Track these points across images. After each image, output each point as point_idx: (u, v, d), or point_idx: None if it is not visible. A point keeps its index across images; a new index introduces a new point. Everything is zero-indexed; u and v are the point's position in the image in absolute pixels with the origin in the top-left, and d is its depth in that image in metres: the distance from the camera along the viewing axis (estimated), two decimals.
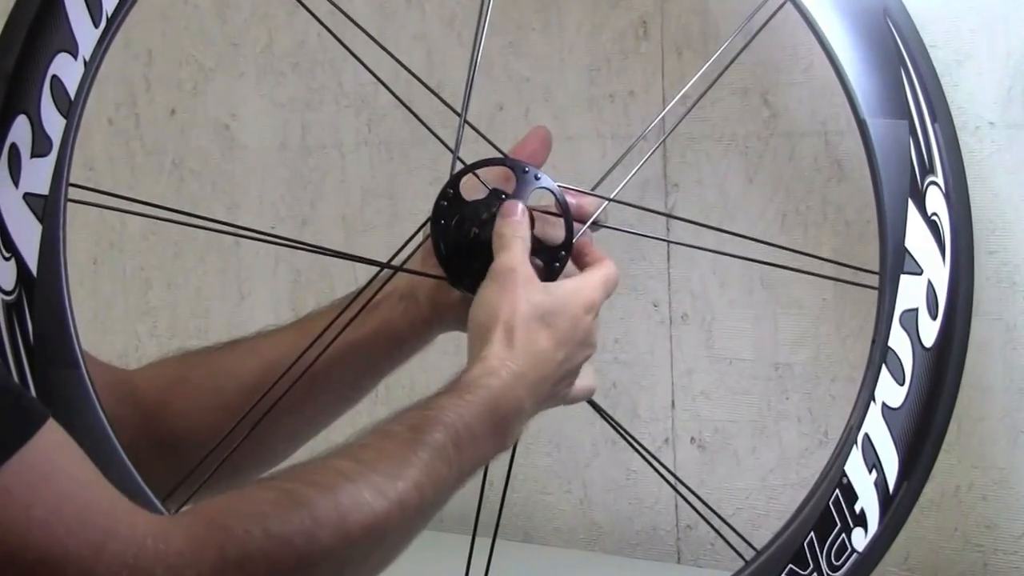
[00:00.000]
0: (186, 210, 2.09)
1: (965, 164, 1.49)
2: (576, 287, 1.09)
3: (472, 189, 1.11)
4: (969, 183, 1.50)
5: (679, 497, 1.72)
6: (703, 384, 1.70)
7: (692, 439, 1.71)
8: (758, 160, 1.63)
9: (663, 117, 1.44)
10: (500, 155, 1.14)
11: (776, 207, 1.62)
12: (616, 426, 1.21)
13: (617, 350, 1.76)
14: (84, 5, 0.98)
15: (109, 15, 0.99)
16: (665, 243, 1.68)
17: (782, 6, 1.19)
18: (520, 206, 1.08)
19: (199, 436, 1.16)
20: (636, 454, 1.76)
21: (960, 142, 1.49)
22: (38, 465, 0.80)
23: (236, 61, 2.07)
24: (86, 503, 0.82)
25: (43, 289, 0.96)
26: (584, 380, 1.12)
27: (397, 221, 1.90)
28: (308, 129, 2.01)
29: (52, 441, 0.81)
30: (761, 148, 1.63)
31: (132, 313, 2.21)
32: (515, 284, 1.05)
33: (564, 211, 1.11)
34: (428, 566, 1.50)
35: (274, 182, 2.05)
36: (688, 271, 1.69)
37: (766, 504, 1.66)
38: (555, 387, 1.07)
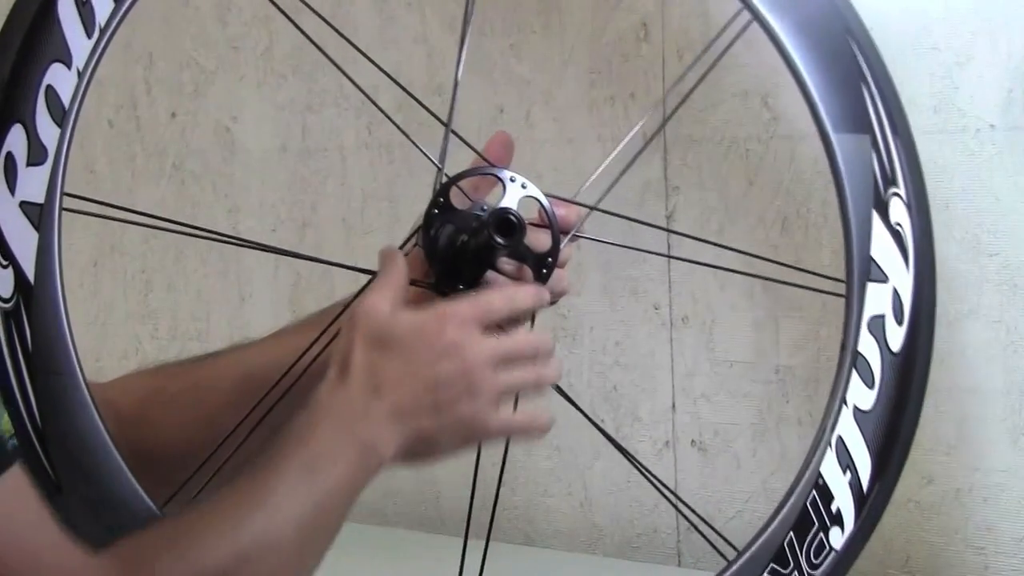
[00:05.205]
0: (187, 212, 2.10)
1: (966, 166, 1.50)
2: (434, 308, 1.04)
3: (461, 196, 1.12)
4: (970, 186, 1.50)
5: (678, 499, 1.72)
6: (704, 387, 1.70)
7: (693, 442, 1.71)
8: (759, 163, 1.63)
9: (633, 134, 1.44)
10: (486, 163, 1.15)
11: (777, 209, 1.62)
12: (589, 417, 1.21)
13: (618, 353, 1.76)
14: (78, 16, 0.99)
15: (102, 26, 1.00)
16: (665, 243, 1.68)
17: (748, 25, 1.22)
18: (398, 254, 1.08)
19: (178, 448, 1.16)
20: (636, 457, 1.76)
21: (961, 144, 1.50)
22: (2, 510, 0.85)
23: (237, 64, 2.07)
24: (39, 554, 0.87)
25: (40, 297, 0.96)
26: (512, 420, 1.06)
27: (398, 223, 1.90)
28: (309, 132, 2.01)
29: (14, 488, 0.87)
30: (762, 151, 1.63)
31: (133, 315, 2.21)
32: (352, 322, 1.04)
33: (550, 220, 1.12)
34: (427, 569, 1.50)
35: (275, 184, 2.05)
36: (689, 274, 1.69)
37: (766, 507, 1.65)
38: (426, 403, 1.01)
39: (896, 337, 1.20)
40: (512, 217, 1.07)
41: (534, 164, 1.80)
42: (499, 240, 1.06)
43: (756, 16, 1.20)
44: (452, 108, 1.15)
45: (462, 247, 1.09)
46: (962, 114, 1.49)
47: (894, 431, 1.20)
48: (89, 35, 0.99)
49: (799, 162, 1.61)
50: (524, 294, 1.08)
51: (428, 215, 1.10)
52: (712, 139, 1.67)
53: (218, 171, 2.10)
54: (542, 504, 1.83)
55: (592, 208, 1.16)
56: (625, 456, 1.22)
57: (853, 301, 1.19)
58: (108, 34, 1.00)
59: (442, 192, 1.10)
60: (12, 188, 0.94)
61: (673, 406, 1.72)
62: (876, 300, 1.20)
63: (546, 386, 1.07)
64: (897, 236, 1.21)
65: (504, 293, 1.07)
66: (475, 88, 1.81)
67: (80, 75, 0.99)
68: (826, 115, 1.21)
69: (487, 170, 1.12)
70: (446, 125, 1.14)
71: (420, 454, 1.03)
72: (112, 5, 1.01)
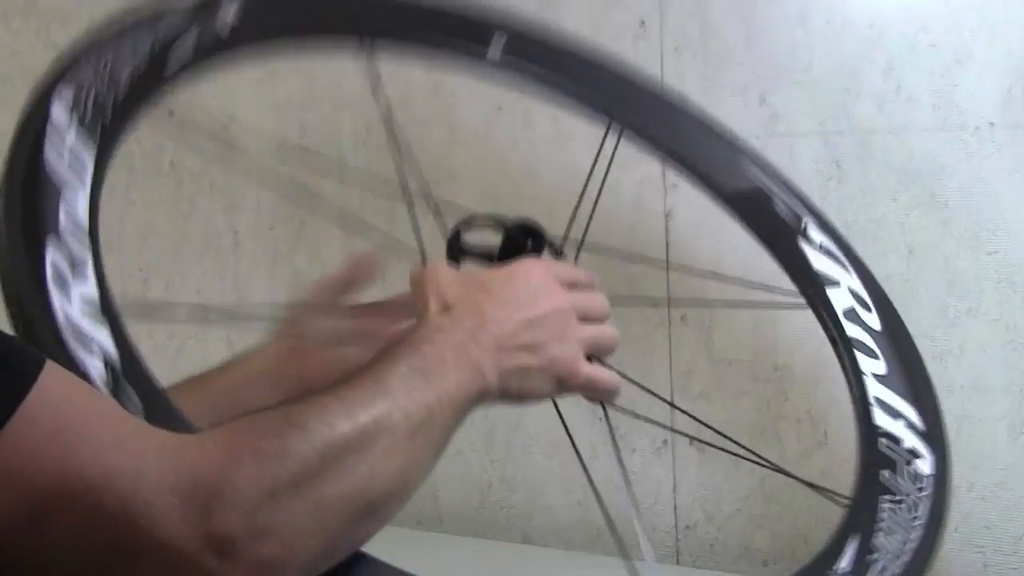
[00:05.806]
0: (185, 210, 2.10)
1: (965, 164, 1.50)
2: (511, 263, 1.11)
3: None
4: (969, 184, 1.50)
5: (677, 498, 1.72)
6: (702, 385, 1.70)
7: (691, 440, 1.71)
8: None
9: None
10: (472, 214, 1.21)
11: None
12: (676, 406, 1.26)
13: (616, 352, 1.75)
14: (69, 167, 1.04)
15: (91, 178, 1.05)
16: (664, 242, 1.68)
17: (621, 135, 1.36)
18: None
19: None
20: (635, 456, 1.75)
21: (960, 142, 1.50)
22: (56, 398, 0.83)
23: None
24: (114, 425, 0.85)
25: (129, 376, 1.00)
26: (598, 370, 1.13)
27: (396, 223, 1.89)
28: (306, 130, 2.01)
29: (59, 377, 0.85)
30: (760, 148, 1.62)
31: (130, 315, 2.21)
32: (433, 272, 1.08)
33: (552, 246, 1.19)
34: (426, 568, 1.50)
35: (273, 183, 2.04)
36: (687, 273, 1.69)
37: (765, 505, 1.66)
38: (525, 340, 1.06)
39: (873, 320, 1.32)
40: (532, 225, 1.16)
41: (533, 164, 1.79)
42: (529, 244, 1.15)
43: (627, 125, 1.36)
44: (402, 150, 1.17)
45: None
46: (961, 112, 1.49)
47: (914, 380, 1.30)
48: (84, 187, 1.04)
49: (798, 160, 1.61)
50: (579, 269, 1.15)
51: (451, 250, 1.17)
52: None
53: (216, 169, 2.10)
54: (541, 503, 1.83)
55: (583, 239, 1.24)
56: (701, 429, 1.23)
57: (820, 307, 1.33)
58: (98, 186, 1.05)
59: (455, 235, 1.18)
60: (68, 298, 0.99)
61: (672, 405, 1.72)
62: (840, 298, 1.33)
63: (614, 348, 1.14)
64: (827, 252, 1.36)
65: (564, 263, 1.15)
66: (473, 87, 1.80)
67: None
68: (724, 183, 1.37)
69: (492, 216, 1.19)
70: (405, 159, 1.19)
71: (515, 392, 1.06)
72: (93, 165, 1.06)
